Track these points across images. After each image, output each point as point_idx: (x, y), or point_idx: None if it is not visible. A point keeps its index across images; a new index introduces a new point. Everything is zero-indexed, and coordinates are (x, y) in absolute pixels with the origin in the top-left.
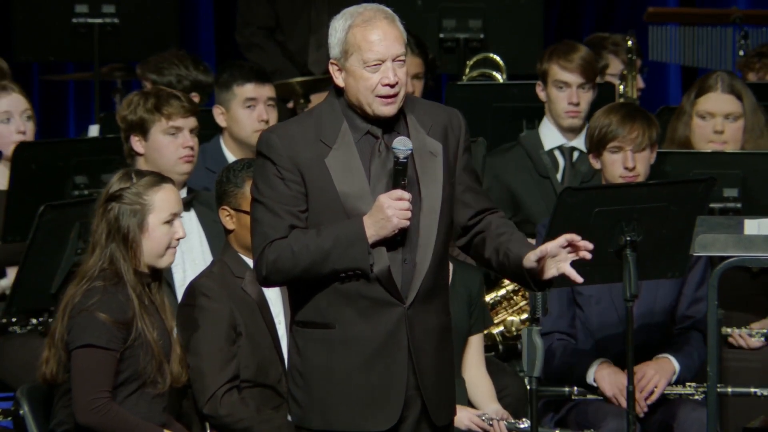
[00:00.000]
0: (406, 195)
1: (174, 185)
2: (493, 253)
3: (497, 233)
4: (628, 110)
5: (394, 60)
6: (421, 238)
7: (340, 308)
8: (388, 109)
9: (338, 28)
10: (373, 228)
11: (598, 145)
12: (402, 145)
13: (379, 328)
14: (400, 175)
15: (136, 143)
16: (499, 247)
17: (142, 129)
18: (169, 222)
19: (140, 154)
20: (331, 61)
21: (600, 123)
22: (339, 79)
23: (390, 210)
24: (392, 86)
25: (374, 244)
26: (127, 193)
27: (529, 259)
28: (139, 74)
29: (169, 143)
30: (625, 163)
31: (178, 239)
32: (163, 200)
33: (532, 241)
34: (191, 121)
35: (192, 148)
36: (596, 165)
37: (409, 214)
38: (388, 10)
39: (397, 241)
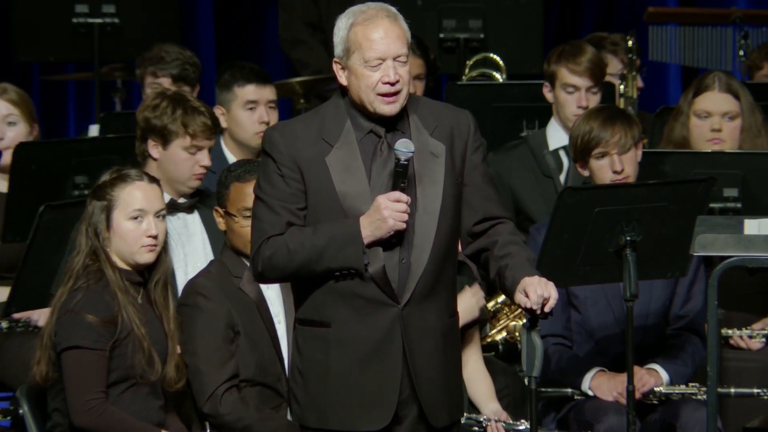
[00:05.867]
0: (404, 197)
1: (155, 184)
2: (496, 276)
3: (499, 255)
4: (607, 113)
5: (395, 59)
6: (417, 238)
7: (336, 307)
8: (389, 108)
9: (341, 26)
10: (369, 228)
11: (583, 153)
12: (404, 147)
13: (374, 328)
14: (400, 177)
15: (153, 148)
16: (500, 271)
17: (163, 137)
18: (135, 218)
19: (154, 159)
20: (334, 59)
21: (581, 131)
22: (342, 78)
23: (387, 211)
24: (392, 84)
25: (370, 244)
26: (99, 190)
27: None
28: (139, 74)
29: (186, 159)
30: (613, 167)
31: (153, 237)
32: (129, 196)
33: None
34: (212, 142)
35: (206, 167)
36: (584, 173)
37: (405, 216)
38: (392, 8)
39: (394, 241)
